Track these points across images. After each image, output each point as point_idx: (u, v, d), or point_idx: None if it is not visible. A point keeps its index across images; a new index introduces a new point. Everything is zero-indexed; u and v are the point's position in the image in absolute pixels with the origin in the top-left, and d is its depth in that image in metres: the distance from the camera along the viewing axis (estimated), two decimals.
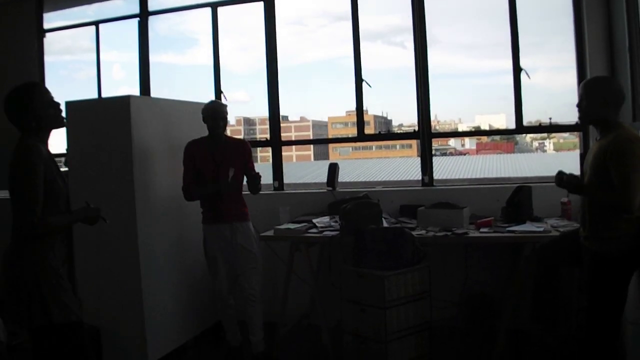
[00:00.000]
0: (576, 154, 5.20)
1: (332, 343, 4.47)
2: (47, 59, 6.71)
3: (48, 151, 2.82)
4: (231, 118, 6.79)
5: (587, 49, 4.81)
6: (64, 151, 4.77)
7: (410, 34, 5.34)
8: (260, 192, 4.67)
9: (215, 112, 4.47)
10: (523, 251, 4.08)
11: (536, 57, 5.36)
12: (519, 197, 4.53)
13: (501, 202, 4.62)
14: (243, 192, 4.61)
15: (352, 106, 5.56)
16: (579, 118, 3.42)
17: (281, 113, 5.91)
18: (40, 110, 2.77)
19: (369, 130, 5.74)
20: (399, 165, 12.85)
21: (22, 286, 2.66)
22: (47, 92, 2.85)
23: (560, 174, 3.31)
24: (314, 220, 4.83)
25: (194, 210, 4.70)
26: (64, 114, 2.91)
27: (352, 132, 5.68)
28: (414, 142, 7.86)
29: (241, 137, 4.86)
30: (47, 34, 6.70)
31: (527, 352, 4.29)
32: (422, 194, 5.17)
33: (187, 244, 4.80)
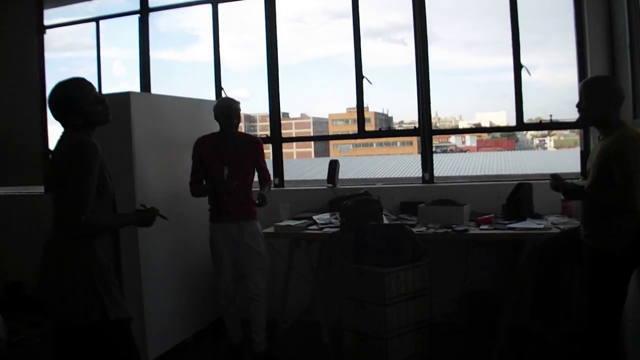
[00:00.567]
0: (577, 151, 5.20)
1: (332, 340, 4.47)
2: (48, 55, 6.70)
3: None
4: None
5: (588, 47, 4.80)
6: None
7: (410, 31, 5.33)
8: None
9: (229, 110, 4.40)
10: (523, 248, 4.08)
11: (537, 55, 5.37)
12: (519, 194, 4.53)
13: (501, 199, 4.62)
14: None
15: (353, 103, 5.56)
16: (580, 119, 3.42)
17: (282, 110, 5.91)
18: (88, 107, 2.69)
19: (369, 127, 5.73)
20: (399, 162, 12.86)
21: (74, 282, 2.57)
22: (94, 87, 2.77)
23: (555, 180, 3.31)
24: (314, 217, 4.82)
25: (194, 207, 4.71)
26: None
27: (353, 129, 5.67)
28: (415, 139, 7.86)
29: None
30: (48, 31, 6.69)
31: (527, 349, 4.29)
32: (423, 191, 5.16)
33: (187, 241, 4.80)
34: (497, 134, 17.43)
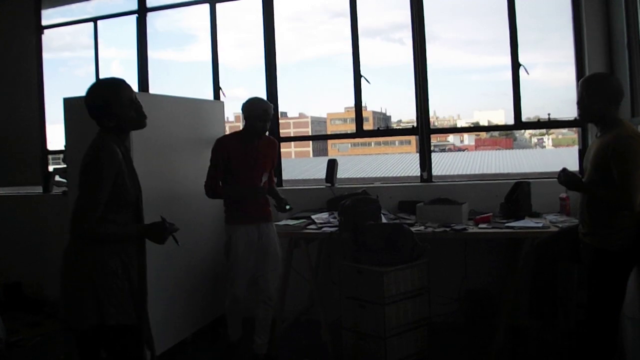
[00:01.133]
0: (575, 149, 5.21)
1: (331, 339, 4.47)
2: (47, 55, 6.70)
3: (124, 152, 2.72)
4: (230, 114, 6.81)
5: (586, 45, 4.81)
6: (62, 148, 4.79)
7: (409, 30, 5.33)
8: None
9: (266, 114, 4.30)
10: (522, 247, 4.09)
11: (535, 53, 5.37)
12: (517, 193, 4.53)
13: (500, 198, 4.63)
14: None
15: (351, 102, 5.56)
16: (579, 115, 3.42)
17: (280, 109, 5.91)
18: (121, 110, 2.64)
19: (367, 126, 5.74)
20: (397, 162, 12.87)
21: (77, 285, 2.57)
22: (131, 91, 2.71)
23: (563, 171, 3.32)
24: (313, 217, 4.83)
25: (193, 208, 4.71)
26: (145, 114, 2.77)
27: (351, 128, 5.67)
28: (413, 138, 7.86)
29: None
30: (46, 31, 6.69)
31: (526, 348, 4.30)
32: (421, 189, 5.17)
33: (186, 241, 4.79)
34: (496, 133, 17.45)
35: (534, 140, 18.35)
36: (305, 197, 5.41)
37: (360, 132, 5.57)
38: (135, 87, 6.09)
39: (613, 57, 4.68)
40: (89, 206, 2.50)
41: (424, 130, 5.29)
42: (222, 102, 5.72)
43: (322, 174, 5.46)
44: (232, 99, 5.98)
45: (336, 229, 4.42)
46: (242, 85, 8.41)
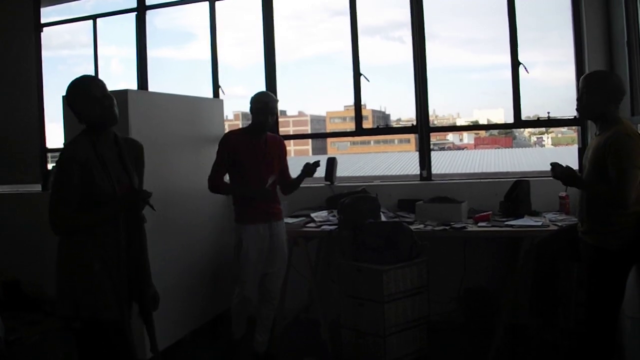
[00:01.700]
0: (574, 148, 5.21)
1: (330, 337, 4.47)
2: (46, 54, 6.68)
3: (104, 148, 2.74)
4: (229, 113, 6.79)
5: (586, 44, 4.81)
6: (61, 146, 4.77)
7: (408, 29, 5.33)
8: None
9: (267, 107, 4.28)
10: (521, 246, 4.09)
11: (535, 52, 5.36)
12: (517, 191, 4.54)
13: (499, 197, 4.63)
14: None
15: (351, 101, 5.55)
16: (578, 112, 3.42)
17: (279, 108, 5.90)
18: (84, 107, 2.70)
19: (367, 124, 5.73)
20: (397, 160, 12.86)
21: (57, 279, 2.67)
22: (99, 88, 2.73)
23: (555, 165, 3.31)
24: (312, 215, 4.83)
25: (192, 206, 4.71)
26: (115, 110, 2.76)
27: (350, 126, 5.67)
28: (412, 137, 7.87)
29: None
30: (45, 29, 6.67)
31: (525, 346, 4.30)
32: (420, 188, 5.17)
33: (185, 239, 4.79)
34: (495, 132, 17.44)
35: (534, 139, 18.34)
36: (305, 195, 5.39)
37: (359, 131, 5.56)
38: (134, 85, 6.11)
39: (613, 55, 4.68)
40: (57, 202, 2.58)
41: (423, 129, 5.29)
42: (222, 100, 5.72)
43: (321, 173, 5.44)
44: (232, 97, 5.98)
45: (335, 227, 4.42)
46: (242, 84, 8.39)
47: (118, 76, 11.35)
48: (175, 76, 7.51)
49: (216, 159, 4.31)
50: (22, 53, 6.54)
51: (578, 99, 3.33)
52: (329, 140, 14.09)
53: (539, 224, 4.11)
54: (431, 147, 5.40)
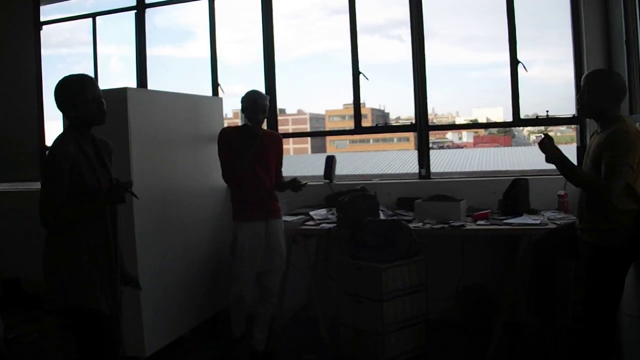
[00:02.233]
0: (573, 147, 5.20)
1: (329, 335, 4.49)
2: (45, 52, 6.68)
3: (85, 146, 2.83)
4: (228, 111, 6.81)
5: (585, 42, 4.81)
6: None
7: (407, 27, 5.33)
8: (312, 184, 4.78)
9: (256, 104, 4.31)
10: (520, 244, 4.10)
11: (533, 51, 5.37)
12: (515, 189, 4.54)
13: (498, 195, 4.64)
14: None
15: (350, 99, 5.55)
16: (579, 110, 3.43)
17: (278, 106, 5.91)
18: (82, 104, 2.78)
19: (366, 123, 5.74)
20: (396, 158, 12.84)
21: (45, 271, 2.76)
22: (95, 87, 2.84)
23: (547, 141, 3.24)
24: (311, 213, 4.84)
25: (192, 203, 4.71)
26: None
27: (350, 125, 5.68)
28: (411, 135, 7.87)
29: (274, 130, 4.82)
30: (45, 27, 6.68)
31: (523, 344, 4.31)
32: (419, 186, 5.17)
33: (185, 237, 4.80)
34: (494, 130, 17.41)
35: (533, 137, 18.32)
36: (304, 194, 5.37)
37: (358, 129, 5.56)
38: (133, 83, 6.12)
39: (611, 54, 4.68)
40: (46, 197, 2.65)
41: (422, 127, 5.29)
42: (221, 99, 5.72)
43: (320, 171, 5.45)
44: (231, 96, 5.98)
45: (334, 225, 4.43)
46: (241, 82, 8.40)
47: (117, 74, 11.35)
48: (175, 74, 7.50)
49: (220, 155, 4.33)
50: (22, 51, 6.54)
51: (579, 97, 3.34)
52: (328, 138, 14.05)
53: (538, 222, 4.12)
54: (430, 145, 5.41)
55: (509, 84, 5.03)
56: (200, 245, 4.90)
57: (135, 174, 4.32)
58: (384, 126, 5.94)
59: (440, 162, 11.08)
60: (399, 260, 4.07)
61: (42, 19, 6.65)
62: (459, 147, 17.81)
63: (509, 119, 5.15)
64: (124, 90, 4.30)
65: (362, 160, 12.79)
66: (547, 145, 3.22)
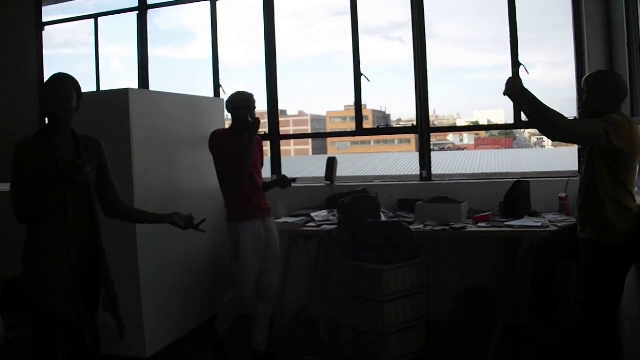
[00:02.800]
0: (574, 149, 5.20)
1: (329, 337, 4.48)
2: (47, 52, 6.69)
3: (59, 141, 2.87)
4: None
5: (586, 44, 4.81)
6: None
7: (409, 29, 5.34)
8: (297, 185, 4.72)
9: (249, 102, 4.29)
10: (521, 246, 4.10)
11: (535, 52, 5.37)
12: (517, 192, 4.54)
13: (499, 197, 4.64)
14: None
15: (351, 101, 5.55)
16: (580, 112, 3.43)
17: (280, 107, 5.91)
18: (41, 102, 2.90)
19: (367, 124, 5.74)
20: (397, 160, 12.85)
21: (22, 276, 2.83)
22: (45, 87, 2.89)
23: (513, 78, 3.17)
24: (312, 214, 4.83)
25: (193, 203, 4.70)
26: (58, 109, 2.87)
27: (351, 126, 5.67)
28: (413, 137, 7.88)
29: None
30: (46, 27, 6.68)
31: (524, 346, 4.31)
32: (420, 188, 5.17)
33: (185, 239, 4.78)
34: (495, 132, 17.42)
35: (534, 139, 18.32)
36: (305, 195, 5.41)
37: (360, 131, 5.57)
38: (135, 84, 6.12)
39: (613, 56, 4.68)
40: (11, 193, 2.80)
41: (423, 129, 5.30)
42: (222, 100, 5.72)
43: (321, 172, 5.46)
44: None
45: (335, 226, 4.43)
46: (242, 83, 8.42)
47: (119, 75, 11.36)
48: (176, 75, 7.51)
49: (221, 154, 4.25)
50: (23, 51, 6.55)
51: (579, 99, 3.35)
52: (329, 140, 14.10)
53: (539, 224, 4.12)
54: (431, 147, 5.41)
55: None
56: (201, 247, 4.90)
57: (136, 175, 4.33)
58: (385, 128, 5.95)
59: (442, 164, 11.08)
60: (400, 262, 4.07)
61: (44, 19, 6.67)
62: (460, 149, 17.82)
63: (510, 121, 5.15)
64: (125, 91, 4.31)
65: (363, 161, 12.79)
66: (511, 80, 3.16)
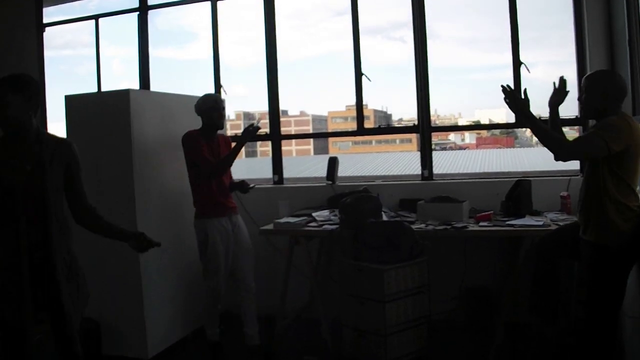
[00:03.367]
0: None
1: (331, 337, 4.48)
2: (48, 53, 6.69)
3: (10, 145, 2.75)
4: (231, 112, 6.81)
5: (587, 44, 4.81)
6: None
7: (410, 28, 5.34)
8: (260, 186, 4.74)
9: (220, 103, 4.48)
10: (522, 245, 4.09)
11: (536, 52, 5.35)
12: (518, 191, 4.54)
13: (501, 196, 4.64)
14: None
15: (352, 101, 5.55)
16: (580, 111, 3.44)
17: (281, 107, 5.91)
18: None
19: (368, 124, 5.74)
20: (398, 160, 12.83)
21: None
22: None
23: (511, 93, 3.37)
24: (314, 214, 4.83)
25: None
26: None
27: (352, 126, 5.67)
28: (414, 137, 7.88)
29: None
30: (47, 29, 6.69)
31: (526, 345, 4.30)
32: (422, 187, 5.17)
33: (187, 237, 4.80)
34: (497, 132, 17.39)
35: (535, 138, 18.31)
36: (306, 195, 5.41)
37: (361, 130, 5.57)
38: (136, 85, 6.13)
39: (614, 55, 4.68)
40: None
41: (424, 129, 5.29)
42: (223, 100, 5.72)
43: (323, 172, 5.46)
44: (233, 97, 5.99)
45: (337, 226, 4.43)
46: (243, 83, 8.41)
47: (120, 76, 11.36)
48: (177, 76, 7.52)
49: (198, 152, 4.35)
50: (24, 52, 6.55)
51: (578, 99, 3.35)
52: (331, 140, 14.07)
53: (540, 223, 4.11)
54: (433, 147, 5.40)
55: (512, 86, 5.02)
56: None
57: (137, 175, 4.34)
58: (386, 127, 5.95)
59: (443, 163, 11.07)
60: (401, 261, 4.06)
61: (44, 20, 6.67)
62: (461, 148, 17.79)
63: (512, 120, 5.15)
64: (126, 92, 4.32)
65: (364, 161, 12.78)
66: (510, 95, 3.36)
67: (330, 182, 5.32)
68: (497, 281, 4.67)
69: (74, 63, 8.12)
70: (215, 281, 4.44)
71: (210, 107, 4.42)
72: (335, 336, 4.41)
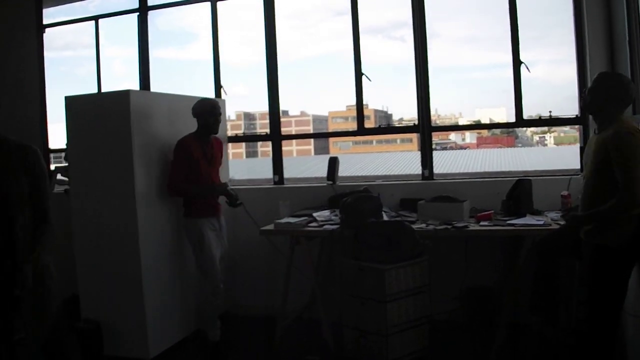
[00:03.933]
0: (576, 147, 5.20)
1: (332, 337, 4.48)
2: (48, 54, 6.70)
3: None
4: (231, 113, 6.82)
5: (587, 43, 4.80)
6: (64, 146, 4.80)
7: (410, 28, 5.34)
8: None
9: (218, 109, 4.56)
10: (523, 244, 4.09)
11: (536, 51, 5.36)
12: (519, 190, 4.54)
13: (501, 196, 4.63)
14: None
15: (353, 100, 5.55)
16: (582, 106, 3.43)
17: (281, 107, 5.91)
18: None
19: (369, 124, 5.73)
20: (399, 159, 12.81)
21: None
22: None
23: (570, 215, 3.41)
24: (314, 214, 4.83)
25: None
26: None
27: (353, 126, 5.67)
28: (415, 136, 7.86)
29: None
30: (48, 30, 6.69)
31: (527, 345, 4.31)
32: (423, 187, 5.17)
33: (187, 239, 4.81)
34: (497, 131, 17.36)
35: (536, 138, 18.26)
36: (307, 195, 5.41)
37: (361, 130, 5.57)
38: (136, 86, 6.12)
39: (614, 55, 4.68)
40: None
41: (425, 128, 5.29)
42: (224, 100, 5.73)
43: (323, 172, 5.46)
44: (234, 97, 6.00)
45: (337, 226, 4.43)
46: (244, 84, 8.42)
47: (120, 77, 11.34)
48: (178, 76, 7.50)
49: (176, 164, 4.49)
50: (25, 54, 6.55)
51: (584, 92, 3.36)
52: (331, 140, 14.00)
53: (541, 223, 4.11)
54: (433, 146, 5.40)
55: (512, 85, 5.03)
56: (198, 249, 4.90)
57: (137, 176, 4.33)
58: (386, 127, 5.94)
59: (443, 163, 11.05)
60: (402, 261, 4.06)
61: (44, 21, 6.67)
62: (462, 148, 17.76)
63: (512, 119, 5.15)
64: (126, 93, 4.32)
65: (365, 161, 12.77)
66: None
67: (330, 182, 5.32)
68: (498, 281, 4.67)
69: (75, 64, 8.11)
70: (214, 281, 4.51)
71: (207, 111, 4.51)
72: (337, 336, 4.41)
